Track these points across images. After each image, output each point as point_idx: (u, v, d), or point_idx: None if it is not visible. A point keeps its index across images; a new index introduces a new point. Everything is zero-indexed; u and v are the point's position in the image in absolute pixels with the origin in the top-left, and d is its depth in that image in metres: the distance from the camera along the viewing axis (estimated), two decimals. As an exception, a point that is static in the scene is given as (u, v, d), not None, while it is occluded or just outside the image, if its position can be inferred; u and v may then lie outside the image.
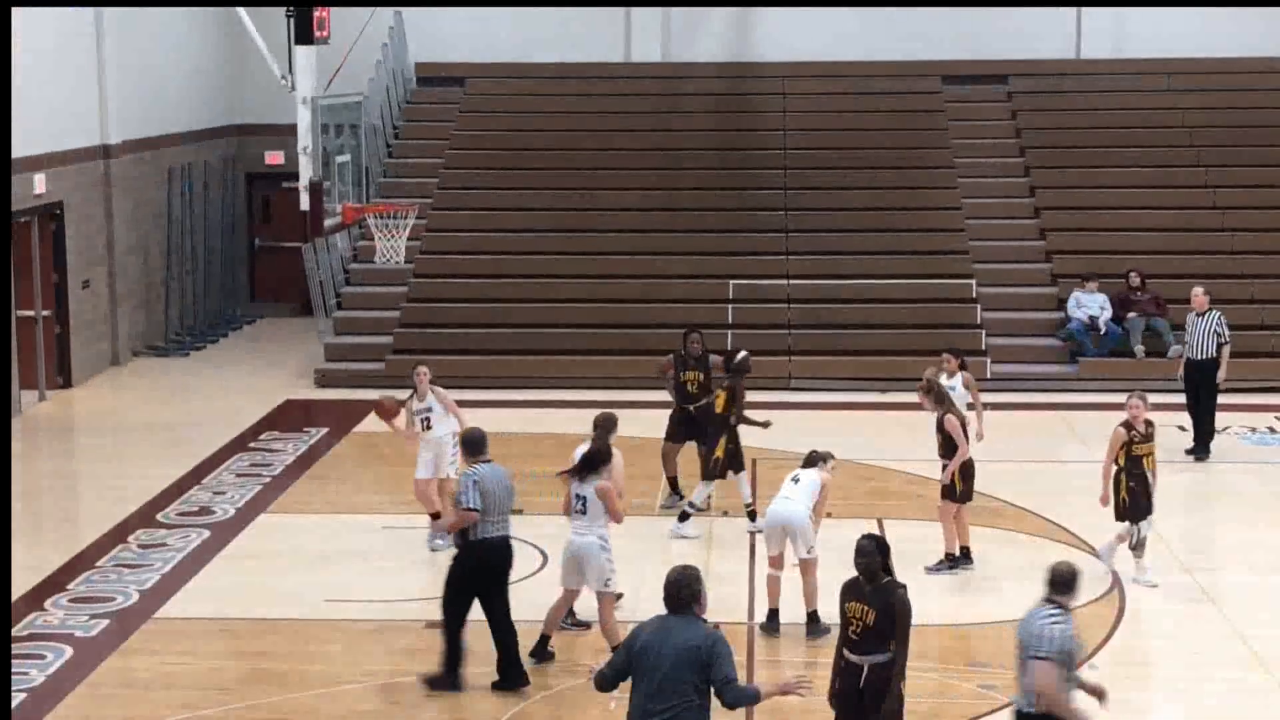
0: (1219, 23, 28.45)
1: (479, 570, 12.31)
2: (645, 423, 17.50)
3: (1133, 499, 14.44)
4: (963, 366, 16.85)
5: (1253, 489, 17.86)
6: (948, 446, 14.76)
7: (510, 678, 12.32)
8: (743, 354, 16.33)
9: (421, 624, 13.56)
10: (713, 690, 8.72)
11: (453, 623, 12.30)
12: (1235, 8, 28.23)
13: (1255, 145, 26.80)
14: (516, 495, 12.64)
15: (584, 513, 12.59)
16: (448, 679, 12.27)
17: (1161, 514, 16.47)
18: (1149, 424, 14.50)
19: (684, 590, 8.84)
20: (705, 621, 8.95)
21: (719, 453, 15.78)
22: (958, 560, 14.89)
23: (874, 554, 9.86)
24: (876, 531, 10.17)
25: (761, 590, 13.68)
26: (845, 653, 9.82)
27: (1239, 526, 16.53)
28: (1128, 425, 14.47)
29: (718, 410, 15.88)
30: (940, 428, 14.77)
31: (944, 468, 14.80)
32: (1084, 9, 28.69)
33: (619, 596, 12.99)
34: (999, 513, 16.73)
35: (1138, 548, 14.52)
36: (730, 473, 15.97)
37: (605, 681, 9.02)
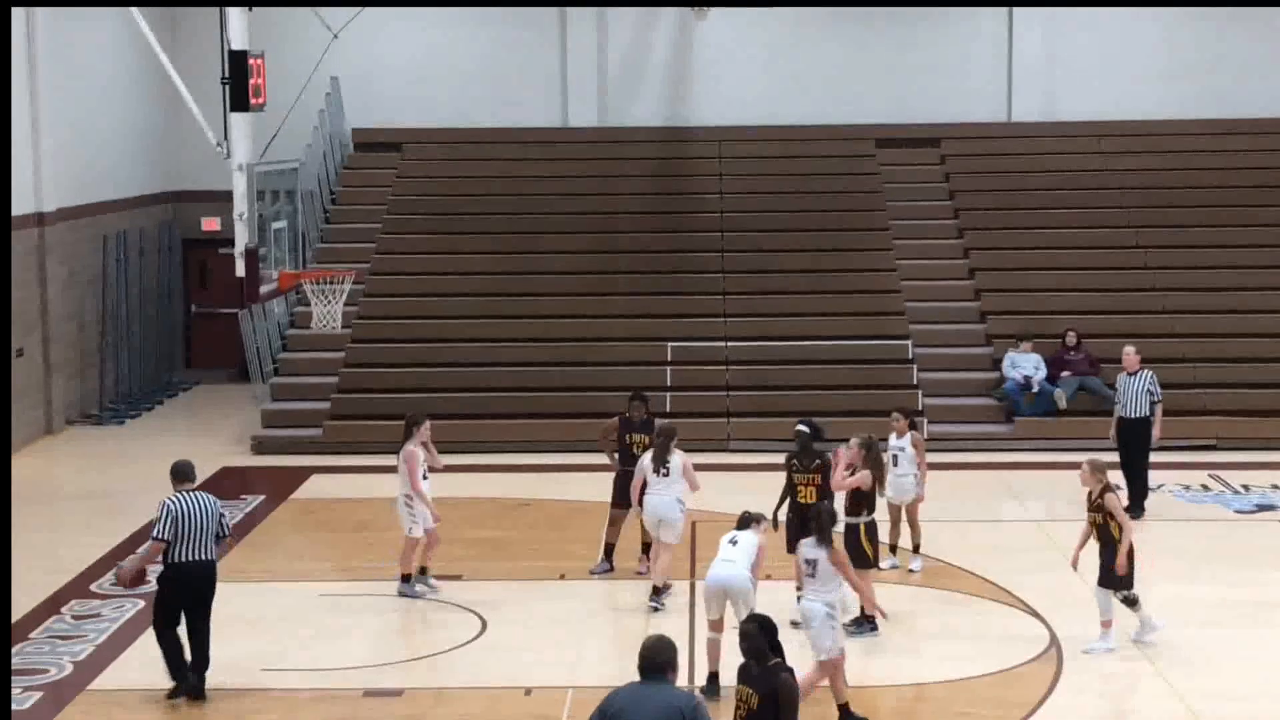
0: (1147, 85, 28.94)
1: (177, 590, 13.25)
2: (583, 485, 17.46)
3: None
4: (913, 426, 16.98)
5: (1187, 546, 18.01)
6: (855, 503, 14.85)
7: (192, 686, 13.27)
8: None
9: (359, 693, 13.47)
10: None
11: (164, 634, 13.31)
12: (1161, 70, 28.80)
13: (1185, 206, 27.20)
14: (225, 524, 13.58)
15: (813, 576, 12.78)
16: (179, 686, 13.28)
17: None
18: (1090, 492, 14.59)
19: (659, 656, 8.94)
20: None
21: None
22: (862, 624, 14.88)
23: (757, 636, 9.85)
24: (763, 613, 10.22)
25: (702, 653, 13.66)
26: None
27: (1173, 584, 16.63)
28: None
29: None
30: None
31: (847, 527, 14.81)
32: (1014, 72, 29.07)
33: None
34: (937, 572, 16.80)
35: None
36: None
37: None
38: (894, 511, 16.86)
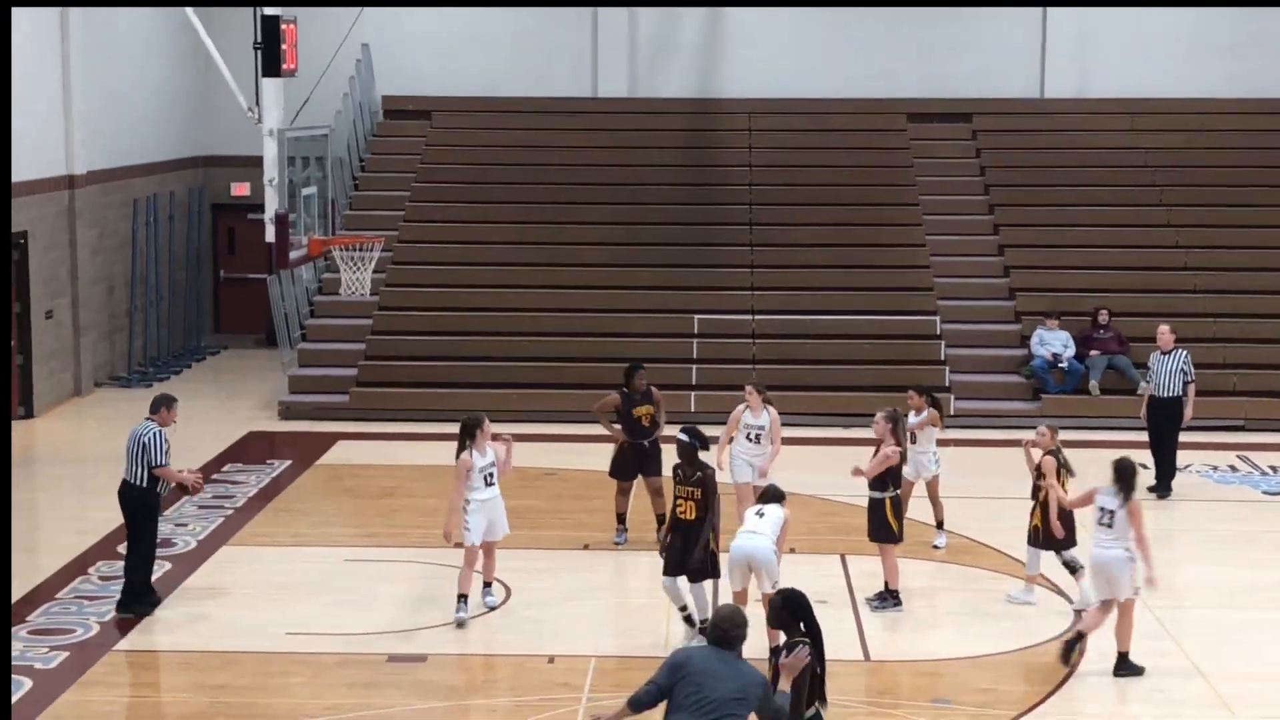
0: (1180, 64, 28.78)
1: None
2: (608, 456, 17.38)
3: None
4: (933, 404, 16.89)
5: (1214, 527, 17.97)
6: (880, 478, 14.81)
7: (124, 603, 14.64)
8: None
9: (384, 658, 13.52)
10: None
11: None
12: (1194, 48, 28.64)
13: (1216, 185, 27.07)
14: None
15: (1110, 526, 13.15)
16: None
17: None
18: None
19: (735, 630, 8.99)
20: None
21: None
22: (886, 599, 14.87)
23: (779, 610, 9.91)
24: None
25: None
26: None
27: (1201, 564, 16.61)
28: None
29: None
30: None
31: (871, 501, 14.81)
32: (1047, 49, 28.94)
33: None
34: (963, 549, 16.78)
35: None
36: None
37: (641, 705, 9.00)
38: (906, 487, 16.78)
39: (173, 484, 15.03)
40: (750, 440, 16.25)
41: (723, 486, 14.15)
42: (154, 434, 14.58)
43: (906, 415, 16.42)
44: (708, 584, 13.84)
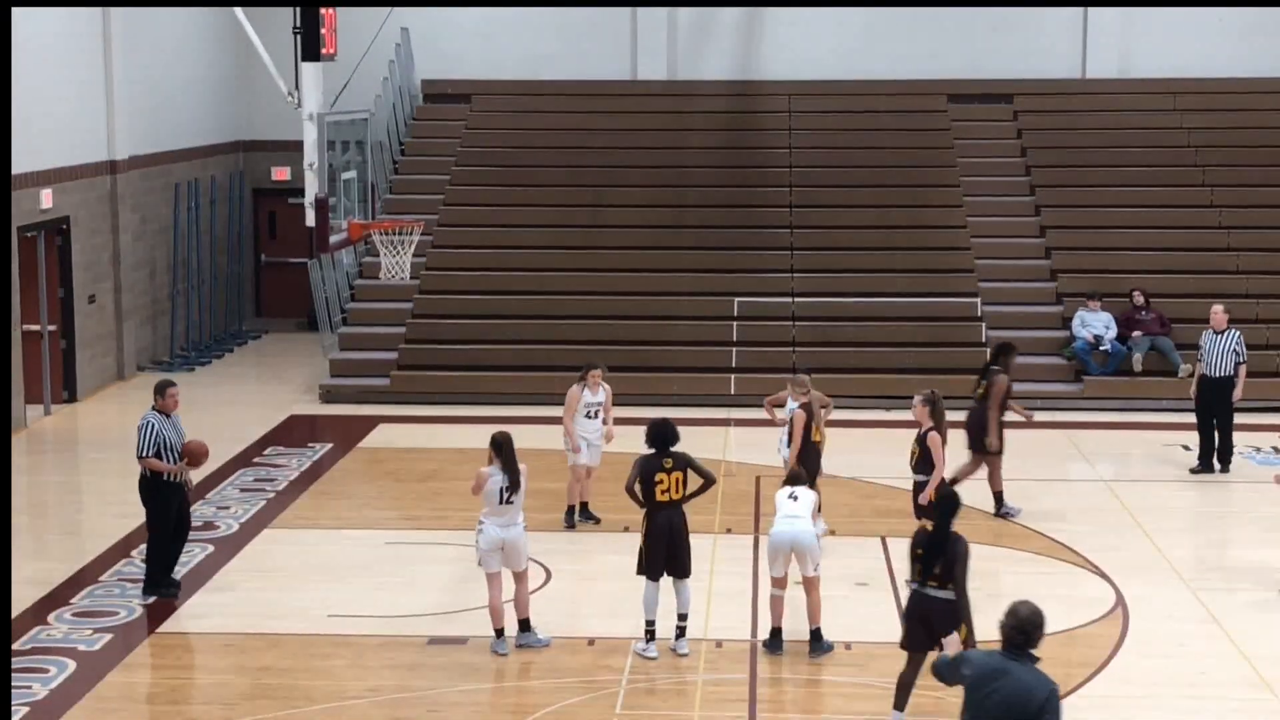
0: (1224, 43, 28.55)
1: None
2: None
3: None
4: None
5: (1258, 508, 17.84)
6: (923, 461, 14.76)
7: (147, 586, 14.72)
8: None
9: (424, 640, 13.56)
10: None
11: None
12: (1239, 26, 28.39)
13: (1260, 165, 26.86)
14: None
15: None
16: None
17: (1167, 533, 16.62)
18: None
19: (1035, 632, 8.34)
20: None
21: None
22: None
23: (942, 498, 11.65)
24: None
25: (764, 608, 13.66)
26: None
27: (1245, 546, 16.52)
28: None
29: None
30: (921, 440, 14.80)
31: (915, 484, 14.79)
32: (1089, 29, 28.76)
33: None
34: (1003, 531, 16.72)
35: None
36: None
37: (943, 675, 8.82)
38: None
39: (173, 475, 14.56)
40: (589, 417, 16.58)
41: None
42: (144, 424, 14.48)
43: (799, 396, 16.05)
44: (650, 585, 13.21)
